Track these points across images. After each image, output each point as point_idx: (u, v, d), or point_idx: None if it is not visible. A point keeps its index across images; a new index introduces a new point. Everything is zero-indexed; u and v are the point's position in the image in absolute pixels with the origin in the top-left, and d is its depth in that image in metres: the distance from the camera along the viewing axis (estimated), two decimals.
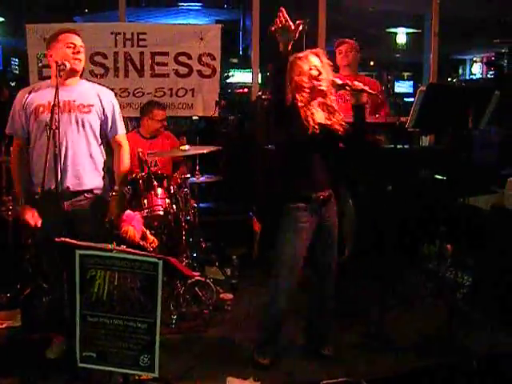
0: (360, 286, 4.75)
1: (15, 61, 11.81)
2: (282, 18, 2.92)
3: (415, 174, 5.25)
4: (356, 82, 3.34)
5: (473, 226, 4.37)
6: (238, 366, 3.59)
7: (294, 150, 3.35)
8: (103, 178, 3.74)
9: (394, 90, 13.54)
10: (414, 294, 4.79)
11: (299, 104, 3.27)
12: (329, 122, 3.34)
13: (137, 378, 3.06)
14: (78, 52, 3.56)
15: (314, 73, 3.29)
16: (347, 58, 4.97)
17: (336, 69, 5.04)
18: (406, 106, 11.29)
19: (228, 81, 12.45)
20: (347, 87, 3.34)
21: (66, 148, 3.51)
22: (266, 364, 3.56)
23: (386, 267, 4.18)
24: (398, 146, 4.36)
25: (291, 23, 2.94)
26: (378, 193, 4.73)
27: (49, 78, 5.64)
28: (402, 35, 10.87)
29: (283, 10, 2.94)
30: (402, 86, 13.80)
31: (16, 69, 11.91)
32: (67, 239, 2.73)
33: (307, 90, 3.30)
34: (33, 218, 3.48)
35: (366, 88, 3.34)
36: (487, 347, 3.79)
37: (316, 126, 3.24)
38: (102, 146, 3.74)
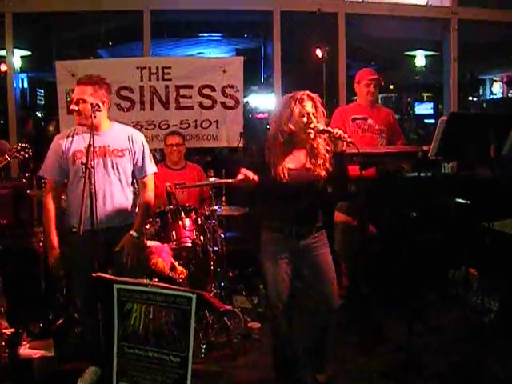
0: (385, 313, 4.77)
1: (40, 91, 12.05)
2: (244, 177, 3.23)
3: (439, 200, 5.28)
4: (336, 130, 3.38)
5: (498, 250, 4.39)
6: None
7: (268, 191, 3.46)
8: (134, 211, 3.91)
9: (414, 112, 13.51)
10: (441, 320, 4.78)
11: (271, 155, 3.41)
12: (309, 166, 3.43)
13: None
14: (73, 109, 3.66)
15: (304, 120, 3.37)
16: (372, 94, 4.94)
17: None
18: (426, 128, 11.29)
19: (247, 107, 12.52)
20: (326, 134, 3.39)
21: (104, 190, 3.68)
22: None
23: (411, 293, 4.20)
24: (421, 174, 4.41)
25: (251, 176, 3.24)
26: (403, 219, 4.77)
27: None
28: (420, 58, 10.88)
29: (243, 172, 3.24)
30: (422, 108, 13.77)
31: (41, 99, 12.14)
32: (104, 274, 2.83)
33: (287, 133, 3.40)
34: (57, 266, 3.68)
35: (345, 136, 3.36)
36: None
37: (284, 175, 3.36)
38: (132, 186, 3.90)
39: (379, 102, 10.08)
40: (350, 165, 3.77)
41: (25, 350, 4.28)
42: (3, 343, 3.66)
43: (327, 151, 3.46)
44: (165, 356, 2.73)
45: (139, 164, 3.86)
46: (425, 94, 14.41)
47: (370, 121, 4.91)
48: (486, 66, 11.55)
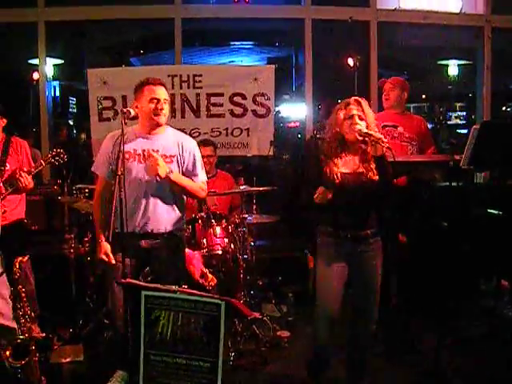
0: (415, 324, 4.70)
1: (73, 100, 12.21)
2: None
3: (470, 210, 5.20)
4: (378, 134, 3.37)
5: None
6: None
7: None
8: (180, 219, 3.85)
9: (446, 122, 13.37)
10: (471, 332, 4.70)
11: (323, 157, 3.46)
12: (361, 170, 3.44)
13: None
14: (162, 108, 3.63)
15: (349, 122, 3.40)
16: (388, 97, 4.96)
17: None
18: (458, 137, 11.15)
19: (279, 115, 12.53)
20: (367, 137, 3.38)
21: (148, 195, 3.64)
22: None
23: (441, 304, 4.14)
24: (453, 184, 4.35)
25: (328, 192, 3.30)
26: (434, 229, 4.72)
27: (109, 119, 5.99)
28: (453, 67, 10.78)
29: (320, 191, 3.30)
30: (455, 118, 13.62)
31: (73, 107, 12.29)
32: (132, 280, 2.84)
33: (336, 136, 3.45)
34: (107, 255, 3.56)
35: (384, 141, 3.33)
36: None
37: (337, 177, 3.38)
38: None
39: (411, 111, 10.02)
40: None
41: (55, 355, 4.34)
42: (34, 347, 3.69)
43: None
44: (194, 362, 2.72)
45: (189, 172, 3.78)
46: (457, 104, 14.26)
47: (400, 129, 4.85)
48: None
